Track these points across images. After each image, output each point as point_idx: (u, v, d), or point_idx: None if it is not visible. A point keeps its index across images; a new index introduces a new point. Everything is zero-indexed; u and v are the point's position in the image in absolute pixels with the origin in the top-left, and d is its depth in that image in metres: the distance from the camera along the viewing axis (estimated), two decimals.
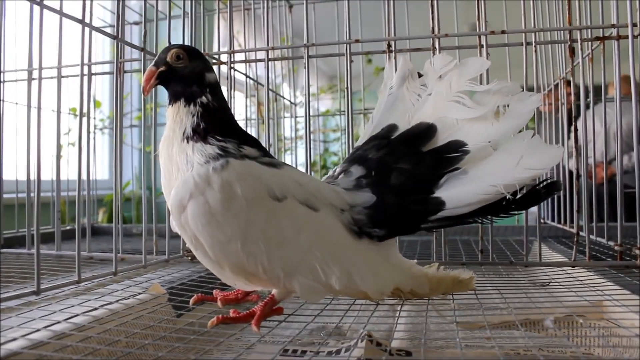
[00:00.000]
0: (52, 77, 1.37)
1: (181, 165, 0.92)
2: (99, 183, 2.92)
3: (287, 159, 3.37)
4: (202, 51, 1.49)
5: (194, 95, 0.97)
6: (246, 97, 1.73)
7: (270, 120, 1.61)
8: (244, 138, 0.96)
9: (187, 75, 0.98)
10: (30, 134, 1.13)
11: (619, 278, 1.17)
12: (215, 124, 0.95)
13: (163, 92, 1.24)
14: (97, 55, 3.10)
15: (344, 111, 2.70)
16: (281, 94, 2.37)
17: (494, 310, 1.00)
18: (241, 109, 2.09)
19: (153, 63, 0.98)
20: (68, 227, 2.19)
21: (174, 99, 0.98)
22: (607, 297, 1.02)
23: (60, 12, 1.05)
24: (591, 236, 1.38)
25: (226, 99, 1.03)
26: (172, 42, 1.17)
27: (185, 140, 0.93)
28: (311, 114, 1.41)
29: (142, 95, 1.11)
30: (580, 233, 1.36)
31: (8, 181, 1.85)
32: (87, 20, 1.15)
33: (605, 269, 1.29)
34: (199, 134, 0.93)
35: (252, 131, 1.91)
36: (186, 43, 1.42)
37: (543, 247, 1.70)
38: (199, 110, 0.95)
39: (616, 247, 1.29)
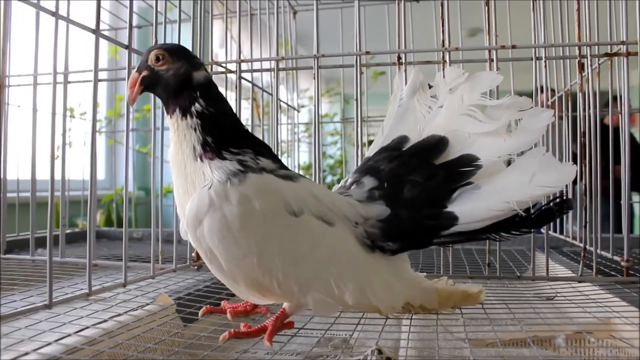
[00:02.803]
0: (59, 83, 1.36)
1: (198, 184, 0.88)
2: (97, 184, 2.89)
3: (285, 162, 3.37)
4: (210, 60, 1.51)
5: (186, 103, 0.91)
6: (252, 108, 1.72)
7: (273, 127, 1.60)
8: (257, 146, 0.93)
9: (171, 79, 0.92)
10: (36, 137, 1.12)
11: (625, 294, 1.18)
12: (222, 134, 0.90)
13: None
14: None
15: (347, 119, 2.74)
16: (284, 101, 2.37)
17: (504, 327, 1.00)
18: (244, 115, 2.09)
19: (136, 68, 0.90)
20: (68, 231, 2.15)
21: (169, 110, 0.92)
22: (615, 315, 1.02)
23: (76, 23, 1.04)
24: (597, 250, 1.37)
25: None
26: None
27: (199, 159, 0.89)
28: (311, 119, 1.41)
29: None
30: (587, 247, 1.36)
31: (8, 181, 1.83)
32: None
33: (612, 284, 1.29)
34: (210, 148, 0.89)
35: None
36: (193, 49, 1.41)
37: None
38: (197, 122, 0.90)
39: (623, 263, 1.29)
